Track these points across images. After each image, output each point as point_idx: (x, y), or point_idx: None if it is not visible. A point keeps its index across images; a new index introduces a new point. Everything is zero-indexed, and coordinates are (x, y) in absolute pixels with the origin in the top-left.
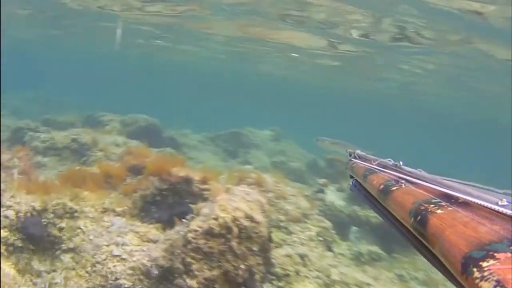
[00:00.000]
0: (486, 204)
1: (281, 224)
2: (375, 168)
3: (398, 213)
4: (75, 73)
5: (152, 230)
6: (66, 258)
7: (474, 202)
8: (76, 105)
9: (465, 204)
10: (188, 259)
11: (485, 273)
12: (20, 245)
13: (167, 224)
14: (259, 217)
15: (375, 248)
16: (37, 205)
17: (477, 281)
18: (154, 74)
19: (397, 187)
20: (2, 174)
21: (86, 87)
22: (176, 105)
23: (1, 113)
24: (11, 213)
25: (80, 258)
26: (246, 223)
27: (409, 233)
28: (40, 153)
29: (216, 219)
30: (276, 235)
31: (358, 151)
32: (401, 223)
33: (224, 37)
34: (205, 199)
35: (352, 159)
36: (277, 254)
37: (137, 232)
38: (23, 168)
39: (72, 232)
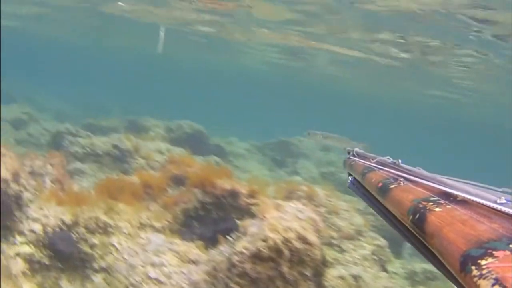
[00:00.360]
0: (484, 202)
1: (334, 241)
2: (374, 166)
3: (396, 211)
4: (119, 76)
5: (193, 249)
6: (98, 278)
7: (472, 200)
8: (119, 109)
9: (464, 202)
10: (233, 285)
11: (484, 271)
12: (47, 263)
13: (210, 241)
14: (312, 238)
15: (430, 266)
16: (67, 218)
17: (475, 279)
18: (201, 79)
19: (396, 185)
20: (33, 182)
21: (130, 90)
22: (223, 111)
23: (43, 117)
24: (38, 227)
25: (112, 279)
26: (298, 245)
27: (407, 231)
28: (79, 159)
29: (265, 240)
30: (328, 254)
31: (357, 149)
32: (399, 221)
33: (272, 46)
34: (252, 215)
35: (351, 157)
36: (330, 275)
37: (176, 252)
38: (56, 176)
39: (105, 249)
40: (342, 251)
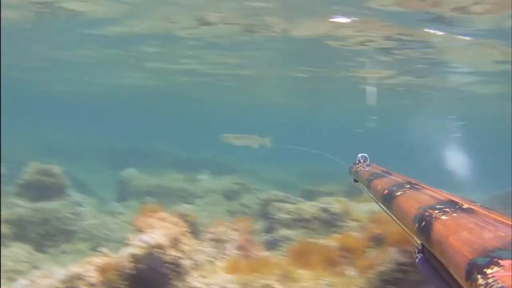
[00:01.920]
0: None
1: None
2: (380, 173)
3: (402, 218)
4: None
5: None
6: None
7: (478, 209)
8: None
9: (470, 210)
10: None
11: (489, 280)
12: None
13: None
14: None
15: None
16: (233, 287)
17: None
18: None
19: (401, 192)
20: (213, 250)
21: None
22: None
23: (261, 187)
24: None
25: None
26: None
27: None
28: (286, 226)
29: None
30: None
31: (362, 156)
32: None
33: None
34: None
35: (357, 163)
36: None
37: None
38: (240, 242)
39: None
40: None
